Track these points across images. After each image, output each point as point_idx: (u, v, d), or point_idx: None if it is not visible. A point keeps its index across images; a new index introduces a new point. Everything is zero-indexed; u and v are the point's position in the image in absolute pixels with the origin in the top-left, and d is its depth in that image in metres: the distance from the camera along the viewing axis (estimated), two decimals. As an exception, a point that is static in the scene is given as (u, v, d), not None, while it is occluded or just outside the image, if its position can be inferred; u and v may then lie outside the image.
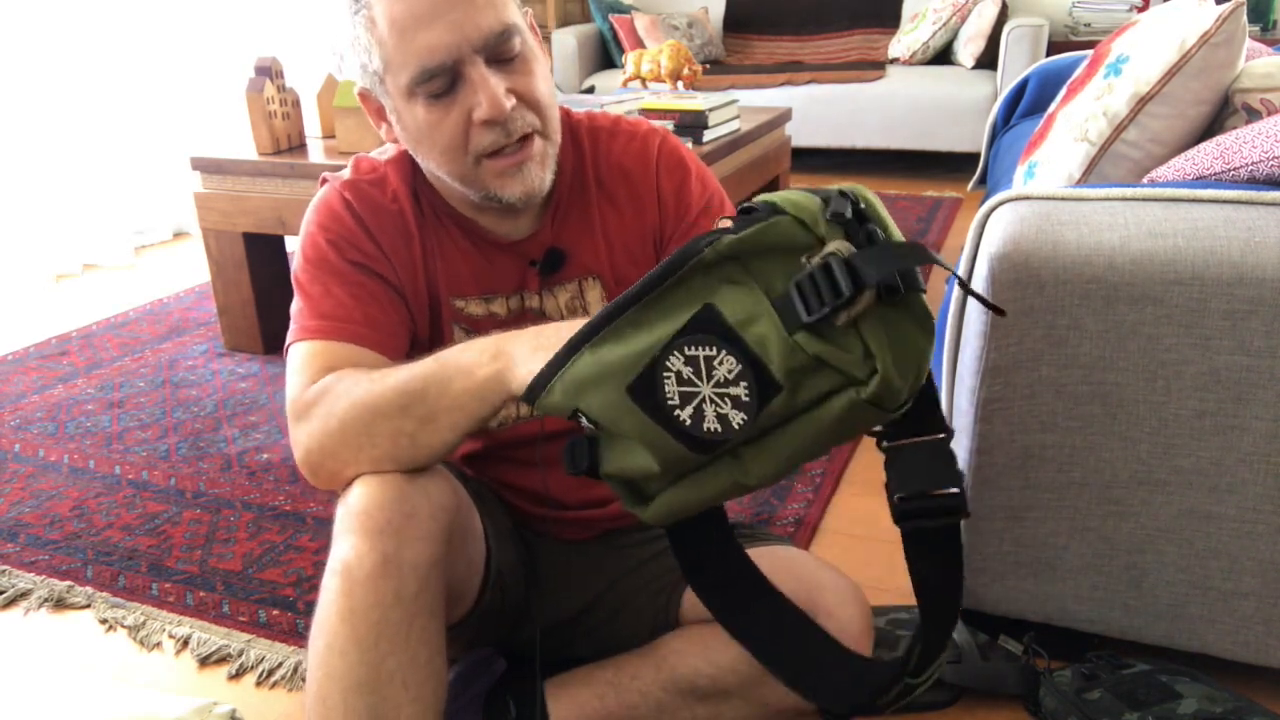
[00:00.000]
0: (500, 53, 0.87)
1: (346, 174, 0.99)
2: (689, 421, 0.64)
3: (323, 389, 0.84)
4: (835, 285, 0.58)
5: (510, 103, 0.86)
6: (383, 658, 0.80)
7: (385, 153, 1.02)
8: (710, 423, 0.64)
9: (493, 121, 0.87)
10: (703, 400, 0.64)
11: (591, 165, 1.02)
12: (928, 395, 0.64)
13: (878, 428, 0.66)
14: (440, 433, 0.80)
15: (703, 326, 0.63)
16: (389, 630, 0.80)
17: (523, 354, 0.75)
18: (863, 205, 0.61)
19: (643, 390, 0.64)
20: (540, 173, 0.91)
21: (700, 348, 0.64)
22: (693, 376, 0.64)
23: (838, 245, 0.60)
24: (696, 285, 0.64)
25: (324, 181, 1.00)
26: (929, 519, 0.65)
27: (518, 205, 0.93)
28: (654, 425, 0.65)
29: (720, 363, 0.63)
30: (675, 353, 0.64)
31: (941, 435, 0.65)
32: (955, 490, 0.64)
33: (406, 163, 1.00)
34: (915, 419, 0.64)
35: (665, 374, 0.64)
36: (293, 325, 0.94)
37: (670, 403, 0.65)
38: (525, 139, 0.90)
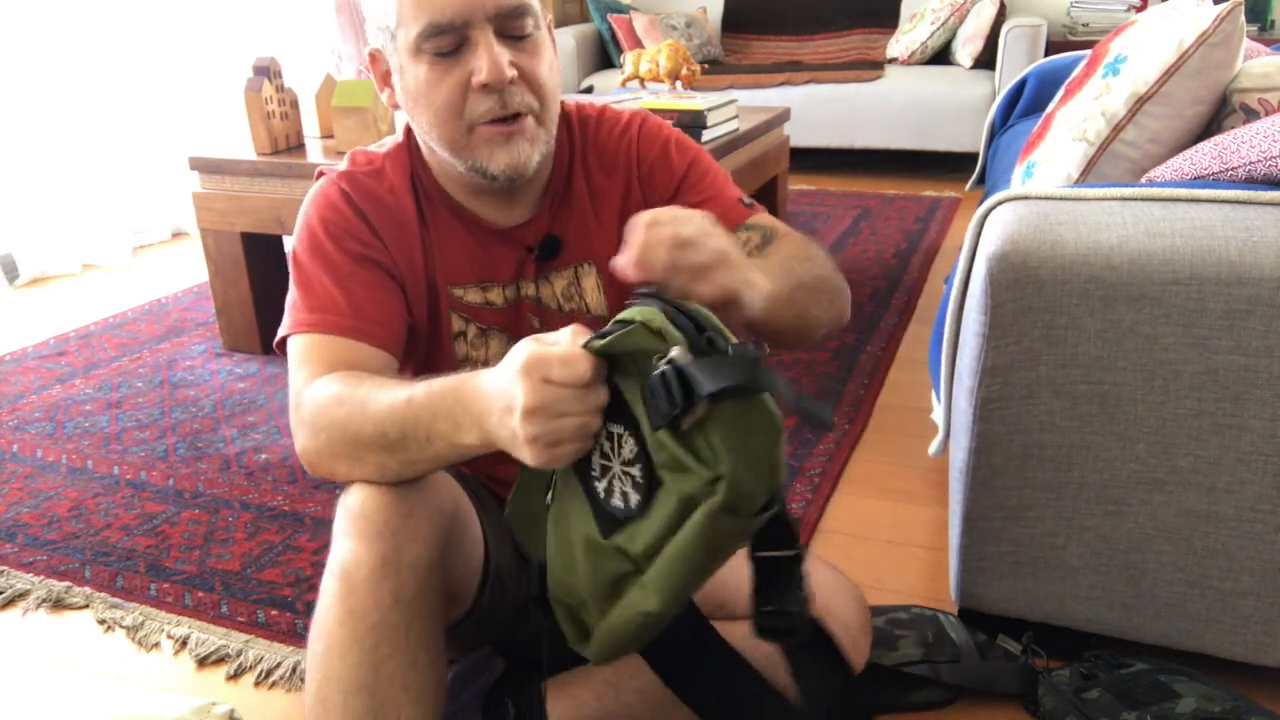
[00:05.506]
0: (511, 28, 0.89)
1: (343, 167, 1.00)
2: (602, 494, 0.70)
3: (314, 402, 0.84)
4: (671, 395, 0.62)
5: (511, 73, 0.88)
6: (382, 660, 0.80)
7: (382, 146, 1.03)
8: (617, 498, 0.69)
9: (490, 87, 0.88)
10: (614, 476, 0.69)
11: (581, 154, 1.03)
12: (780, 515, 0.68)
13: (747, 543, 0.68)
14: (422, 466, 0.81)
15: (616, 406, 0.68)
16: (388, 633, 0.80)
17: None
18: (698, 316, 0.66)
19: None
20: (529, 150, 0.92)
21: (616, 425, 0.68)
22: (609, 451, 0.69)
23: (677, 353, 0.64)
24: (616, 368, 0.68)
25: (320, 175, 1.01)
26: (786, 636, 0.70)
27: (500, 180, 0.93)
28: (581, 491, 0.71)
29: (625, 441, 0.68)
30: (606, 424, 0.69)
31: (794, 552, 0.69)
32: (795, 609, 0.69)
33: (404, 153, 1.01)
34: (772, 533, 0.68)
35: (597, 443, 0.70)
36: (287, 316, 0.94)
37: (592, 472, 0.70)
38: (519, 116, 0.91)
